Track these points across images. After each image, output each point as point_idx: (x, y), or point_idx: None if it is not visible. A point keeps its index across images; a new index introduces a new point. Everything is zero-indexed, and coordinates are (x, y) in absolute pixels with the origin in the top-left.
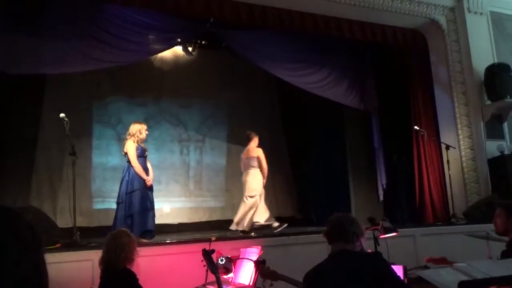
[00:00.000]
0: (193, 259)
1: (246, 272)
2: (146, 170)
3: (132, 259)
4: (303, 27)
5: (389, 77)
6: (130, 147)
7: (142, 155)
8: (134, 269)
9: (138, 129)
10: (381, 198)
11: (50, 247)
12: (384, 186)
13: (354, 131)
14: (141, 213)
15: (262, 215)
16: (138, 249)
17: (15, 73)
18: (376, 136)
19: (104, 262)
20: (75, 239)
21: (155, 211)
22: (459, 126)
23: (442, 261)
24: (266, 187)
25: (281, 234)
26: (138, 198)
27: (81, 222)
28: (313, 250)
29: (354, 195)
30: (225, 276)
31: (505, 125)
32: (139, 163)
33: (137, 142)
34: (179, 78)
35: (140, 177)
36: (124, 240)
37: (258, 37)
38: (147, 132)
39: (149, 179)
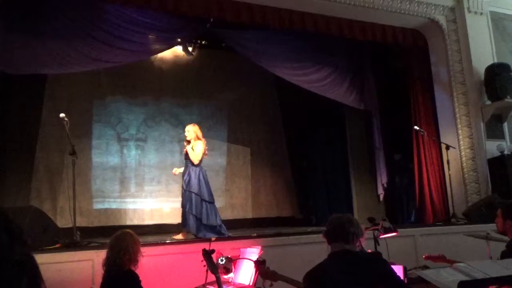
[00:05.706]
0: (193, 259)
1: (246, 272)
2: None
3: (136, 260)
4: (303, 27)
5: (389, 77)
6: None
7: None
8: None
9: None
10: (381, 198)
11: (50, 247)
12: (385, 185)
13: (355, 131)
14: None
15: None
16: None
17: (15, 73)
18: (376, 136)
19: (108, 263)
20: (75, 239)
21: (155, 211)
22: (459, 126)
23: (440, 259)
24: (266, 187)
25: (281, 234)
26: None
27: (81, 222)
28: (313, 250)
29: (356, 195)
30: (225, 276)
31: (505, 125)
32: None
33: None
34: (179, 78)
35: None
36: (128, 242)
37: (258, 37)
38: None
39: None
